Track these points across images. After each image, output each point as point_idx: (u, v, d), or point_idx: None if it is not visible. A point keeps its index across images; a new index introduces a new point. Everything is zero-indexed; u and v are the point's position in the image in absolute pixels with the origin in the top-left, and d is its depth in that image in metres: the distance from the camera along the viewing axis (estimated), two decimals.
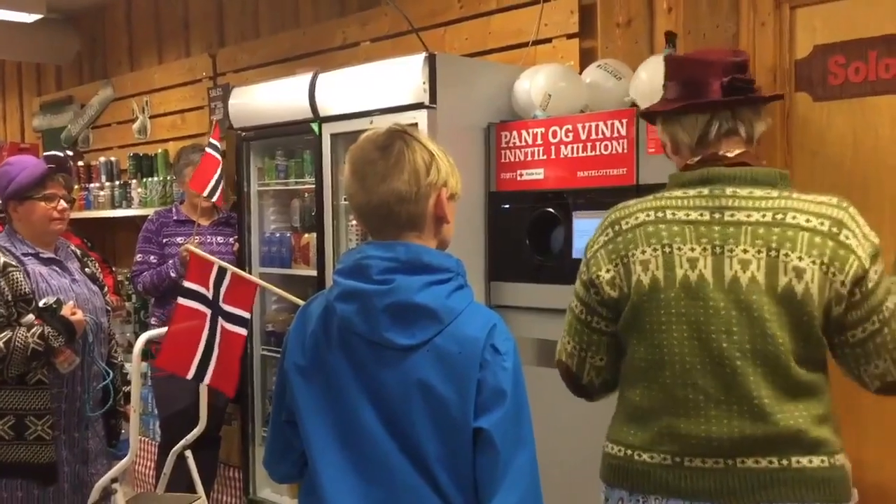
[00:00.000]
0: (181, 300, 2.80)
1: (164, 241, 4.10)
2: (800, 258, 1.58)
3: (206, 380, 2.81)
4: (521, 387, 1.51)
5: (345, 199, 3.48)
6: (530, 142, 3.15)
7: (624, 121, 2.87)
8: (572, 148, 3.02)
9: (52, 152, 5.55)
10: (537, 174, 3.14)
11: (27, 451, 2.62)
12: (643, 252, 1.66)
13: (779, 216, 1.61)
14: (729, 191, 1.66)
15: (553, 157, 3.08)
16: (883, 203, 2.77)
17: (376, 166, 1.52)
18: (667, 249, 1.64)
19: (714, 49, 1.86)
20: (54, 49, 6.41)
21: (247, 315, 2.85)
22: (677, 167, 1.79)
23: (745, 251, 1.60)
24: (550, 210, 3.09)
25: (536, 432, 2.43)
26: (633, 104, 2.94)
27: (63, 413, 2.69)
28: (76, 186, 5.78)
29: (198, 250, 2.93)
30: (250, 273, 4.05)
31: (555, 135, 3.07)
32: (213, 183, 3.70)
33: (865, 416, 2.82)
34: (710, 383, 1.61)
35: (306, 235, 3.89)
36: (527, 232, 3.17)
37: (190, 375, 2.80)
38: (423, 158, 1.53)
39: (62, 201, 2.75)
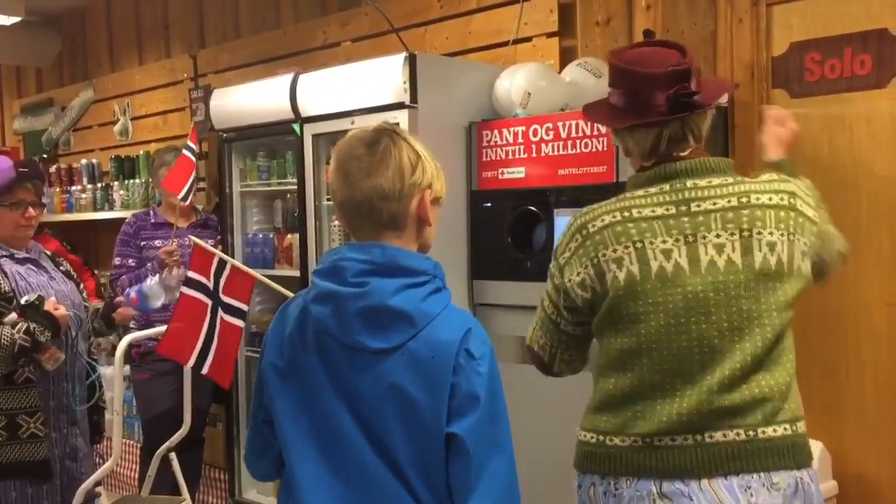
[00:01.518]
0: (185, 290, 2.82)
1: (142, 244, 4.09)
2: (770, 233, 1.69)
3: (205, 370, 2.83)
4: (496, 391, 1.50)
5: (328, 199, 3.48)
6: (511, 140, 3.16)
7: None
8: (553, 146, 3.04)
9: (27, 159, 5.52)
10: (518, 173, 3.15)
11: (22, 450, 2.63)
12: (614, 251, 1.72)
13: (743, 199, 1.71)
14: (689, 183, 1.74)
15: (534, 155, 3.09)
16: (860, 199, 2.80)
17: (361, 162, 1.51)
18: (638, 245, 1.71)
19: (657, 52, 1.79)
20: (34, 51, 6.37)
21: (245, 307, 2.87)
22: (633, 166, 1.87)
23: (717, 236, 1.68)
24: (532, 208, 3.11)
25: (519, 429, 2.44)
26: None
27: (52, 410, 2.70)
28: (57, 189, 5.76)
29: (200, 241, 2.94)
30: None
31: (535, 133, 3.09)
32: (187, 185, 3.69)
33: (845, 410, 2.85)
34: (685, 366, 1.68)
35: (289, 236, 3.88)
36: (508, 230, 3.18)
37: (190, 364, 2.82)
38: (410, 158, 1.52)
39: (31, 208, 2.74)
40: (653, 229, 1.71)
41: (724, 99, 2.98)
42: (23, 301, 2.59)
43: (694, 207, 1.72)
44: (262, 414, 1.63)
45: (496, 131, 3.21)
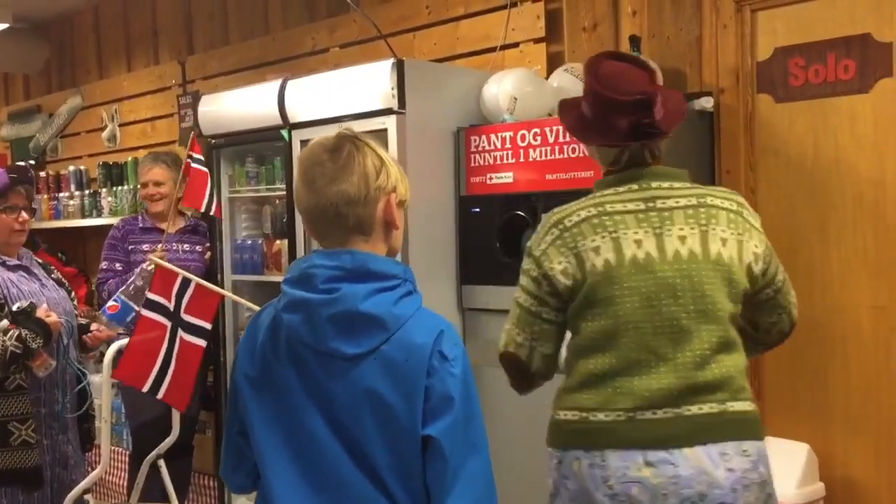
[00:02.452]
0: (144, 312, 2.77)
1: (130, 248, 4.07)
2: (723, 231, 1.89)
3: (160, 394, 2.77)
4: (471, 392, 1.50)
5: None
6: (499, 146, 3.18)
7: None
8: (541, 151, 3.05)
9: (16, 163, 5.50)
10: (507, 177, 3.16)
11: (13, 458, 2.61)
12: (592, 241, 1.87)
13: (701, 200, 1.92)
14: (654, 184, 1.93)
15: (522, 160, 3.11)
16: (845, 202, 2.82)
17: (325, 168, 1.51)
18: (614, 235, 1.87)
19: (627, 74, 1.95)
20: (22, 58, 6.35)
21: (208, 326, 2.82)
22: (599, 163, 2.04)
23: (681, 229, 1.87)
24: (520, 213, 3.12)
25: (507, 435, 2.45)
26: None
27: (43, 417, 2.69)
28: (44, 196, 5.74)
29: (164, 262, 2.90)
30: (223, 280, 4.05)
31: (523, 138, 3.10)
32: (206, 197, 3.69)
33: (832, 412, 2.87)
34: (660, 343, 1.83)
35: (278, 242, 3.88)
36: (497, 235, 3.19)
37: (146, 389, 2.76)
38: (374, 163, 1.52)
39: (23, 212, 2.74)
40: (625, 222, 1.88)
41: (709, 104, 3.00)
42: (14, 308, 2.58)
43: (660, 204, 1.90)
44: (236, 425, 1.62)
45: (484, 136, 3.22)
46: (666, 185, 1.93)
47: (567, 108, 2.07)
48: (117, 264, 4.04)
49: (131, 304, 2.87)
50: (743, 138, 3.00)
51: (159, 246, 3.87)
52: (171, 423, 3.30)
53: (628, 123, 1.89)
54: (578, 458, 1.83)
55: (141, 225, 4.14)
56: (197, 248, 4.12)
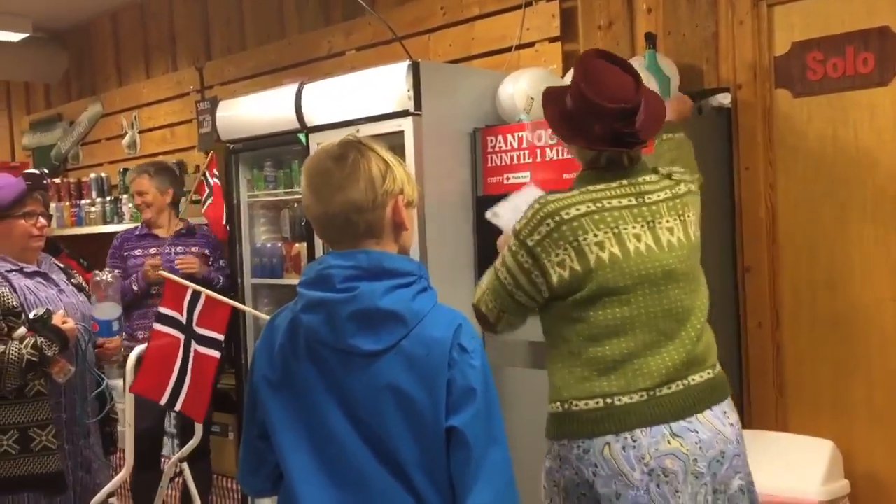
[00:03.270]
0: (156, 326, 2.79)
1: (126, 254, 4.14)
2: (690, 215, 2.09)
3: (178, 406, 2.79)
4: (490, 384, 1.52)
5: None
6: (516, 145, 3.17)
7: None
8: (557, 150, 3.05)
9: (30, 170, 5.56)
10: (524, 177, 3.15)
11: (35, 464, 2.63)
12: (595, 236, 1.97)
13: (673, 191, 2.08)
14: (640, 179, 2.06)
15: (539, 159, 3.10)
16: (865, 196, 2.80)
17: (332, 177, 1.52)
18: (615, 231, 1.98)
19: (615, 79, 2.03)
20: (42, 67, 6.43)
21: (220, 337, 2.84)
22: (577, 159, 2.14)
23: (668, 221, 2.03)
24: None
25: (526, 434, 2.44)
26: None
27: (64, 422, 2.71)
28: (66, 203, 5.80)
29: (172, 276, 2.93)
30: (242, 284, 4.08)
31: (540, 138, 3.10)
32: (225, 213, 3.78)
33: (855, 408, 2.85)
34: (668, 324, 1.98)
35: (297, 245, 3.90)
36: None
37: (163, 401, 2.78)
38: (379, 167, 1.54)
39: (40, 218, 2.77)
40: (623, 217, 1.99)
41: (726, 100, 2.99)
42: (31, 316, 2.61)
43: (647, 199, 2.04)
44: (255, 430, 1.63)
45: (500, 137, 3.22)
46: (648, 178, 2.07)
47: (551, 100, 2.13)
48: (116, 272, 4.08)
49: (105, 317, 2.85)
50: (761, 134, 2.98)
51: (152, 250, 3.97)
52: (165, 432, 3.31)
53: (609, 130, 1.98)
54: (608, 442, 1.90)
55: (137, 232, 4.21)
56: (192, 250, 4.13)
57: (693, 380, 1.97)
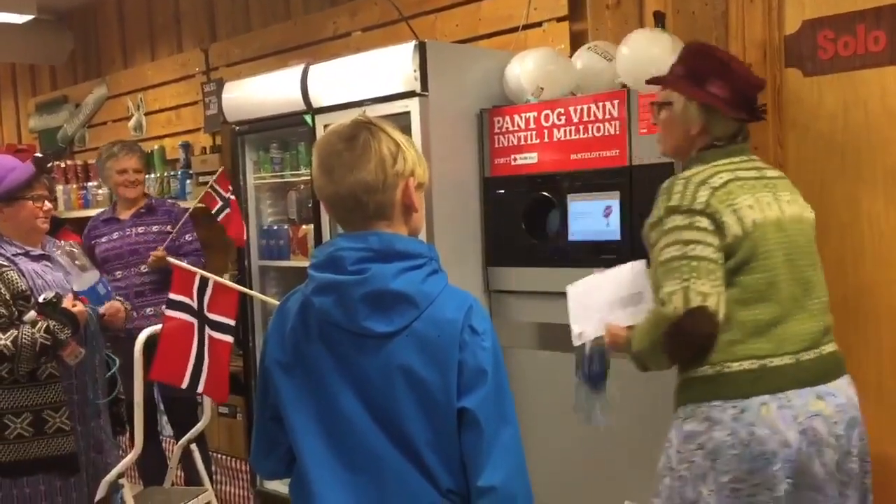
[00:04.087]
0: (168, 311, 2.81)
1: (93, 243, 4.14)
2: (800, 198, 2.21)
3: (200, 389, 2.82)
4: (500, 365, 1.53)
5: None
6: (523, 126, 3.16)
7: (616, 102, 2.88)
8: (565, 131, 3.03)
9: (38, 154, 5.57)
10: (531, 158, 3.14)
11: (49, 446, 2.66)
12: (745, 199, 2.06)
13: (780, 173, 2.24)
14: (754, 158, 2.22)
15: (546, 140, 3.09)
16: (875, 176, 2.77)
17: (342, 157, 1.52)
18: (756, 196, 2.08)
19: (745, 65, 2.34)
20: (47, 49, 6.41)
21: (231, 322, 2.86)
22: (688, 143, 2.21)
23: (785, 195, 2.15)
24: (545, 194, 3.10)
25: (536, 415, 2.44)
26: (624, 86, 2.94)
27: (77, 404, 2.73)
28: (73, 186, 5.81)
29: (179, 262, 2.94)
30: (249, 266, 4.08)
31: (547, 118, 3.08)
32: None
33: (865, 390, 2.81)
34: (798, 292, 2.07)
35: (303, 227, 3.90)
36: (522, 216, 3.18)
37: (184, 385, 2.80)
38: (389, 148, 1.53)
39: (46, 202, 2.80)
40: (756, 187, 2.10)
41: None
42: (41, 299, 2.62)
43: (766, 174, 2.17)
44: (267, 412, 1.64)
45: (508, 117, 3.20)
46: (758, 159, 2.22)
47: (704, 100, 2.18)
48: (72, 242, 4.08)
49: (85, 286, 2.88)
50: (771, 114, 2.94)
51: (115, 235, 4.02)
52: (200, 407, 3.35)
53: (760, 106, 2.22)
54: (766, 402, 1.96)
55: (102, 218, 4.22)
56: (153, 228, 4.12)
57: (825, 349, 2.08)
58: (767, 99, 2.95)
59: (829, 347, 2.12)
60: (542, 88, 3.12)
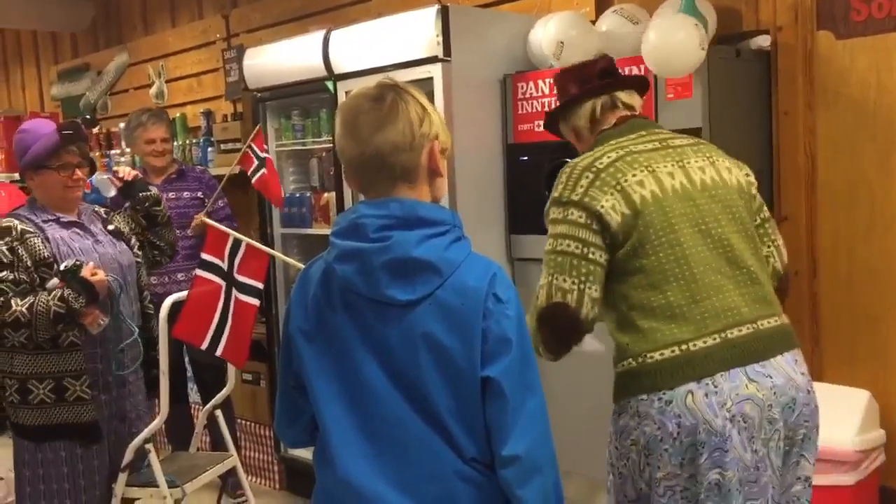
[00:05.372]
0: (199, 272, 2.82)
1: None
2: (723, 160, 2.05)
3: (219, 351, 2.83)
4: (525, 334, 1.51)
5: None
6: (547, 92, 3.11)
7: (642, 67, 2.82)
8: None
9: (71, 120, 5.57)
10: None
11: (69, 413, 2.68)
12: (634, 175, 1.93)
13: (693, 140, 2.10)
14: (655, 131, 2.08)
15: None
16: None
17: (369, 116, 1.50)
18: (650, 169, 1.95)
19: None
20: (68, 16, 6.39)
21: (260, 285, 2.87)
22: (585, 148, 2.13)
23: (696, 161, 2.00)
24: (569, 160, 3.06)
25: (560, 383, 2.43)
26: None
27: (99, 373, 2.75)
28: (97, 153, 5.82)
29: (213, 223, 2.94)
30: (272, 234, 4.09)
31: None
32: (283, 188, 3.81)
33: (892, 358, 2.80)
34: (720, 263, 1.91)
35: (326, 195, 3.89)
36: (546, 183, 3.13)
37: (204, 346, 2.82)
38: (416, 110, 1.52)
39: (77, 170, 2.77)
40: (654, 158, 1.97)
41: (765, 43, 2.90)
42: (61, 267, 2.62)
43: (670, 143, 2.03)
44: (291, 380, 1.64)
45: (531, 83, 3.16)
46: (662, 130, 2.09)
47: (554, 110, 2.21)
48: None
49: (101, 188, 3.00)
50: (801, 78, 2.89)
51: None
52: (225, 373, 3.37)
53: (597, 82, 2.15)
54: (691, 391, 1.82)
55: None
56: (184, 194, 4.14)
57: (762, 324, 1.91)
58: (798, 63, 2.89)
59: (771, 321, 1.93)
60: (562, 43, 3.06)
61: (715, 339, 1.85)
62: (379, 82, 1.55)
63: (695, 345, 1.84)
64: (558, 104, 2.20)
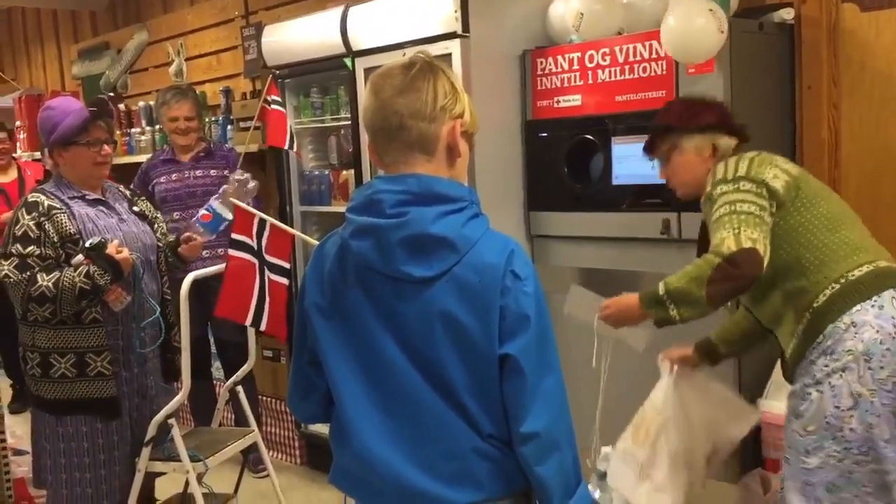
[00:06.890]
0: (231, 251, 2.85)
1: (153, 181, 4.22)
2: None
3: (263, 327, 2.87)
4: (543, 311, 1.50)
5: None
6: (566, 67, 3.09)
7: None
8: (610, 72, 2.96)
9: (96, 97, 5.59)
10: (574, 100, 3.08)
11: (90, 388, 2.72)
12: (779, 160, 2.23)
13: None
14: None
15: (590, 82, 3.02)
16: None
17: (395, 80, 1.50)
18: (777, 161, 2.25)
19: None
20: None
21: (287, 265, 2.89)
22: (706, 170, 2.30)
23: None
24: (589, 137, 3.05)
25: (578, 360, 2.43)
26: None
27: (121, 349, 2.78)
28: (118, 132, 5.85)
29: (241, 203, 2.95)
30: (291, 212, 4.09)
31: (591, 59, 3.00)
32: (288, 135, 3.72)
33: None
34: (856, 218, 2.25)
35: (344, 172, 3.89)
36: (565, 160, 3.13)
37: (248, 322, 2.86)
38: (444, 86, 1.51)
39: (105, 146, 2.79)
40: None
41: (789, 15, 2.85)
42: (87, 244, 2.65)
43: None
44: (306, 355, 1.64)
45: (551, 59, 3.13)
46: None
47: (688, 120, 2.34)
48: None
49: (222, 212, 2.97)
50: (826, 51, 2.84)
51: (174, 176, 4.08)
52: (247, 351, 3.40)
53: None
54: (894, 297, 2.06)
55: (162, 157, 4.29)
56: (211, 172, 4.17)
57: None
58: (822, 36, 2.84)
59: None
60: (582, 15, 3.01)
61: (890, 262, 2.14)
62: (415, 54, 1.55)
63: (880, 263, 2.11)
64: (732, 122, 2.36)
